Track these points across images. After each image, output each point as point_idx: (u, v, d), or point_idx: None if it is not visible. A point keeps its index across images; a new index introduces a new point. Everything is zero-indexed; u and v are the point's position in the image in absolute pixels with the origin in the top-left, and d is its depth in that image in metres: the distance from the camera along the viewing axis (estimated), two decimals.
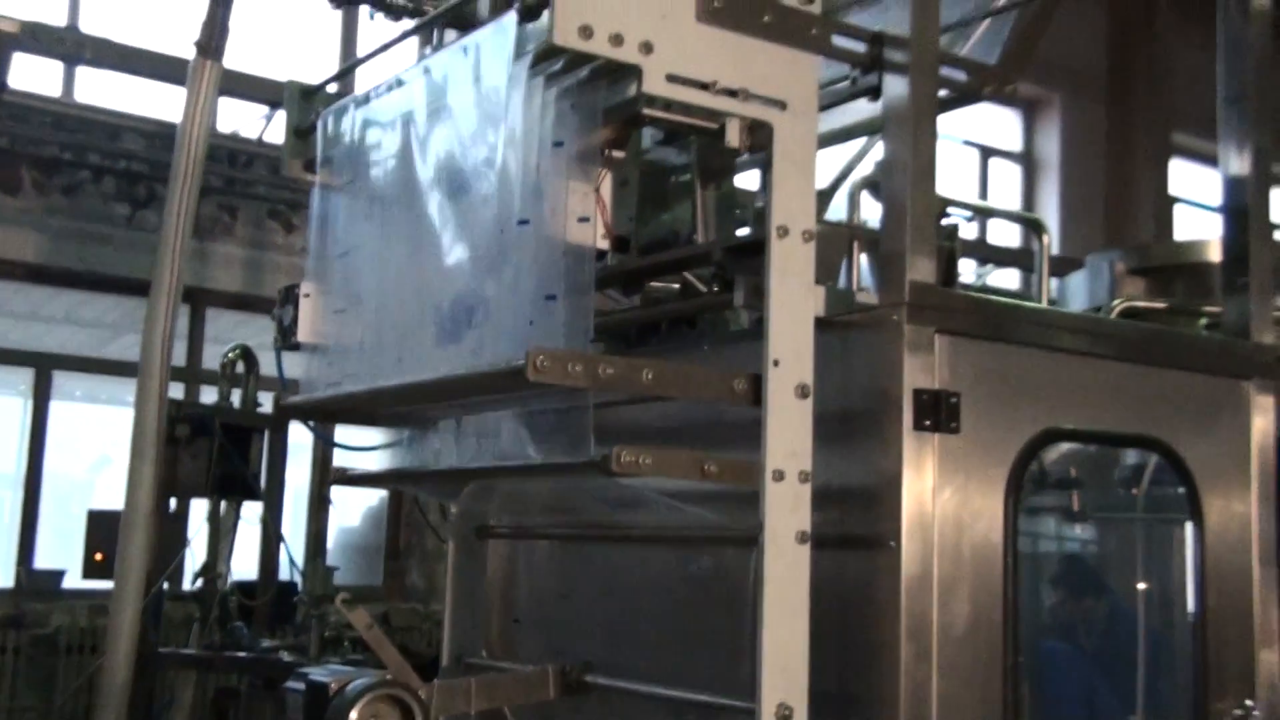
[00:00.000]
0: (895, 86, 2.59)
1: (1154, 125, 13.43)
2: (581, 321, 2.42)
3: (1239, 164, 3.09)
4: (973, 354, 2.59)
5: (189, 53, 9.26)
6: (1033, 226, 3.85)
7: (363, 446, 3.43)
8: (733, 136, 2.55)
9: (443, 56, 2.64)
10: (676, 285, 3.05)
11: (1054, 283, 4.56)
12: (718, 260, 2.64)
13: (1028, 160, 13.73)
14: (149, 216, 9.47)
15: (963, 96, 2.80)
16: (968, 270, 11.38)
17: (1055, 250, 12.80)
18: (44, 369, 9.70)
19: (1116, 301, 3.51)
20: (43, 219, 9.19)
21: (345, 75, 3.14)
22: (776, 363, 2.45)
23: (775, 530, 2.41)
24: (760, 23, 2.48)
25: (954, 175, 13.08)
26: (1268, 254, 3.03)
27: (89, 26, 9.59)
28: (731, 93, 2.45)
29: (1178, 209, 14.01)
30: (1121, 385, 2.81)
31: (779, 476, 2.42)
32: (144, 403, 3.71)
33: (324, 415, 3.15)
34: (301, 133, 3.10)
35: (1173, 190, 13.90)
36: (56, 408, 9.83)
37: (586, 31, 2.30)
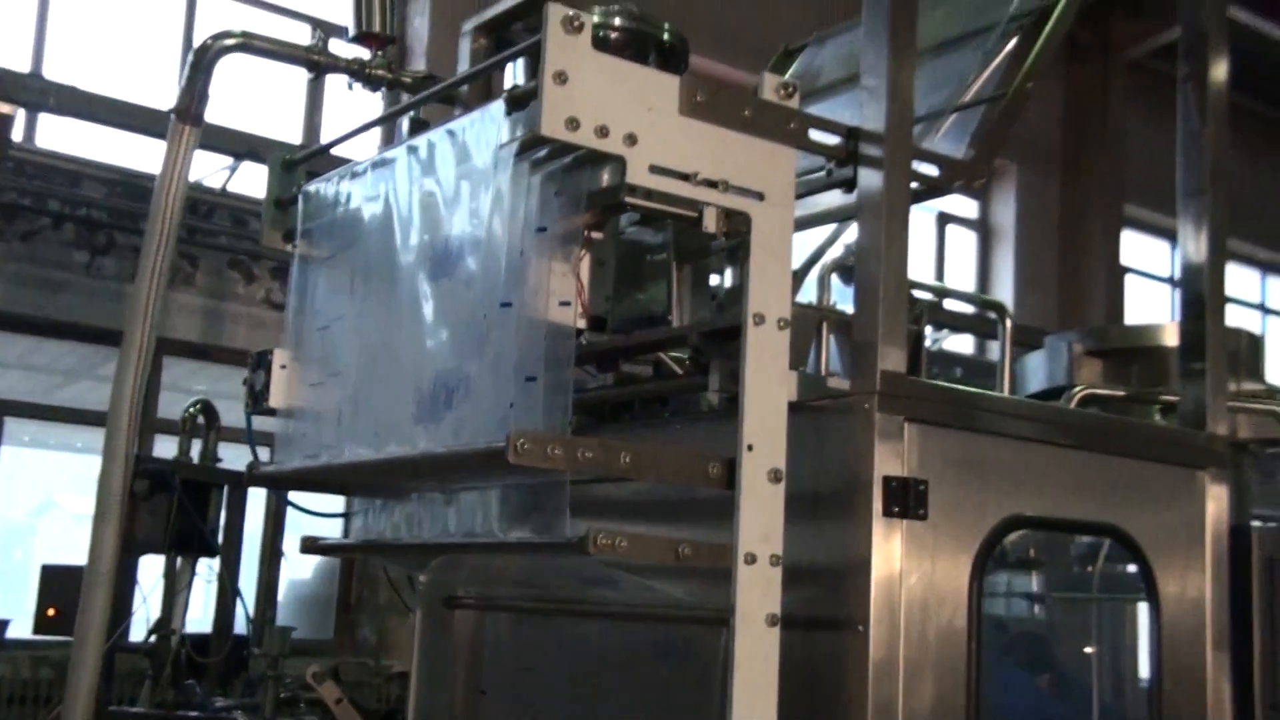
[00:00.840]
0: (869, 179, 2.67)
1: (1107, 197, 13.71)
2: (560, 403, 2.45)
3: (1196, 254, 3.19)
4: (941, 442, 2.65)
5: (152, 100, 9.35)
6: (994, 309, 3.93)
7: (328, 513, 3.44)
8: (710, 223, 2.61)
9: (429, 138, 2.68)
10: (651, 363, 3.10)
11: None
12: (694, 344, 2.70)
13: (984, 228, 13.96)
14: (107, 264, 9.45)
15: (933, 189, 2.89)
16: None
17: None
18: None
19: (1077, 389, 3.60)
20: (0, 265, 9.14)
21: (328, 150, 3.17)
22: (750, 447, 2.50)
23: (746, 613, 2.45)
24: (741, 117, 2.55)
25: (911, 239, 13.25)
26: (1222, 345, 3.13)
27: (53, 73, 9.59)
28: (712, 183, 2.51)
29: (1130, 279, 14.28)
30: (1082, 473, 2.88)
31: (751, 560, 2.46)
32: (110, 461, 3.69)
33: (296, 485, 3.16)
34: (282, 204, 3.14)
35: (1125, 260, 14.17)
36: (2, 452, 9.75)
37: (573, 123, 2.35)
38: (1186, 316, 3.17)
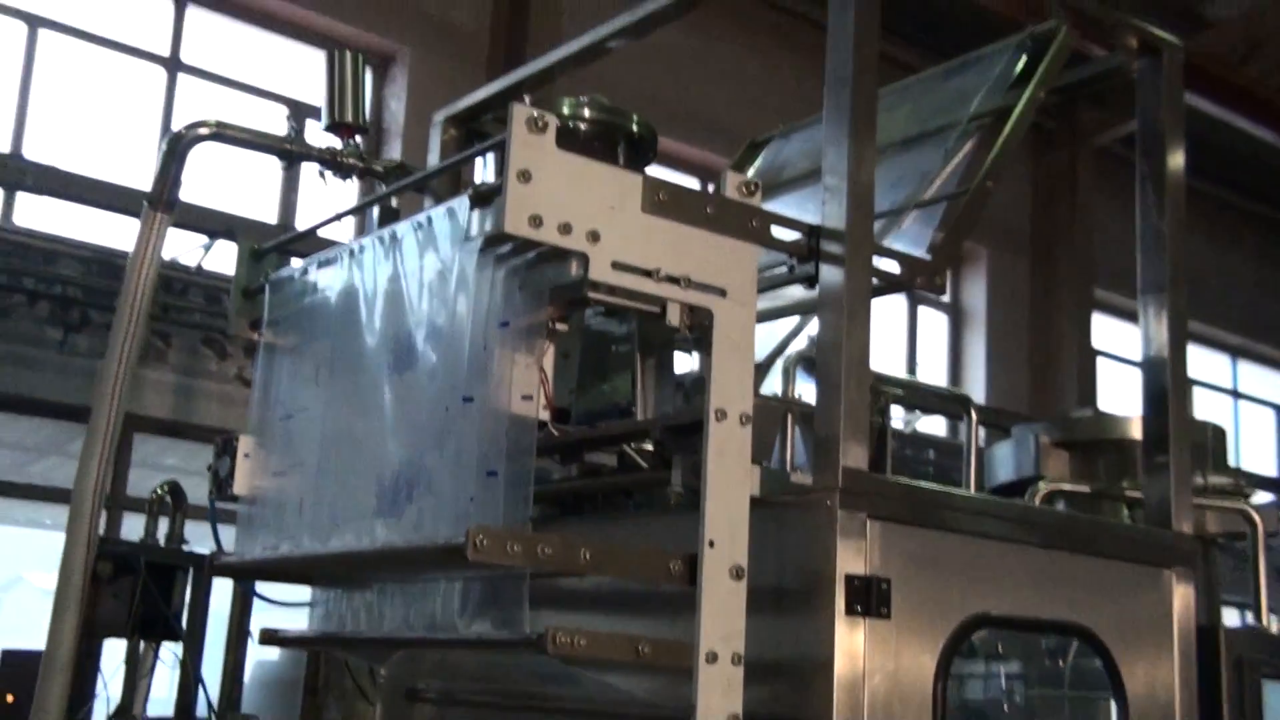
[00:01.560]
0: (831, 276, 2.69)
1: (1077, 281, 13.85)
2: (521, 497, 2.44)
3: (1157, 349, 3.21)
4: (904, 540, 2.64)
5: (132, 180, 9.38)
6: (960, 403, 3.95)
7: (290, 602, 3.40)
8: (673, 317, 2.62)
9: (396, 229, 2.70)
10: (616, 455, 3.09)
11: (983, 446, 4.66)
12: (656, 438, 2.69)
13: (955, 310, 14.06)
14: (81, 341, 9.40)
15: (894, 286, 2.91)
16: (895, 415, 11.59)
17: (980, 400, 13.05)
18: None
19: (1041, 484, 3.60)
20: None
21: (296, 240, 3.19)
22: (712, 544, 2.49)
23: (707, 712, 2.42)
24: (704, 214, 2.57)
25: (881, 319, 13.34)
26: (1187, 441, 3.14)
27: (32, 153, 9.61)
28: (674, 279, 2.53)
29: (1101, 362, 14.38)
30: (1048, 571, 2.88)
31: (712, 659, 2.44)
32: (72, 546, 3.64)
33: (256, 575, 3.13)
34: (249, 292, 3.14)
35: (1096, 344, 14.27)
36: None
37: (536, 220, 2.37)
38: (1149, 412, 3.19)
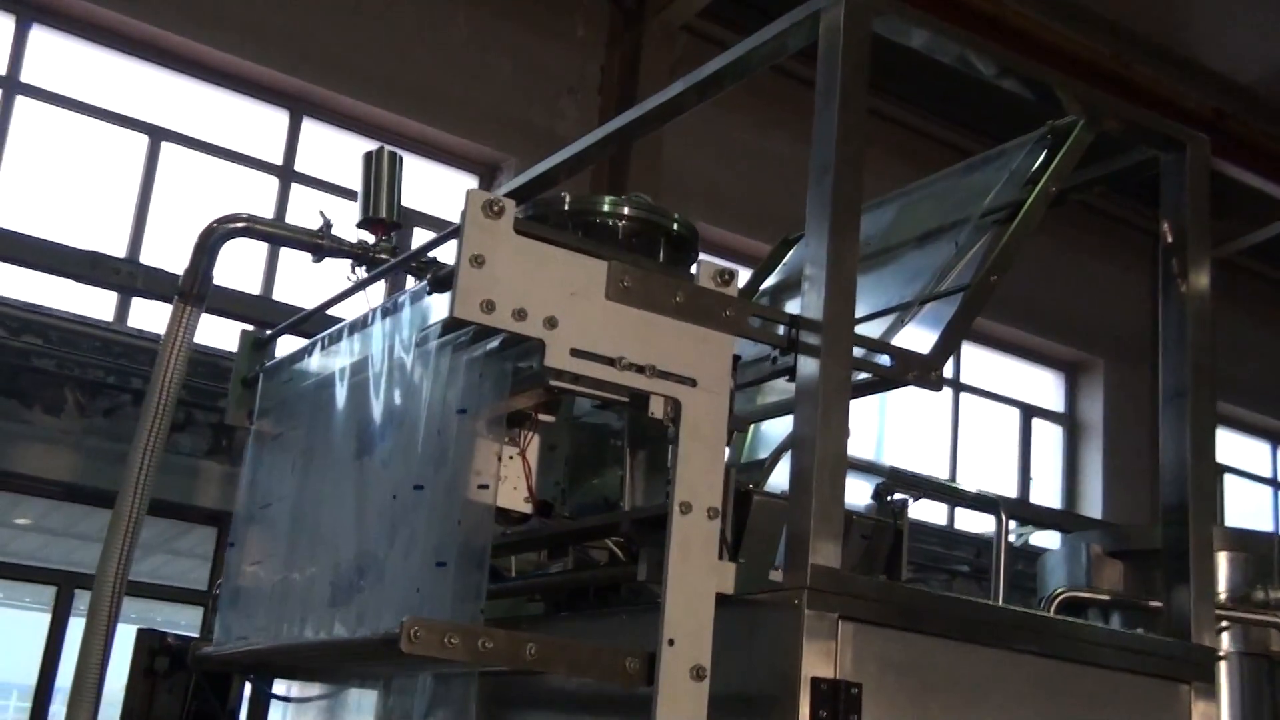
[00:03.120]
0: (808, 368, 2.61)
1: None
2: (473, 590, 2.40)
3: (1178, 456, 3.04)
4: (881, 644, 2.51)
5: (240, 284, 9.68)
6: (989, 507, 3.79)
7: (298, 697, 3.38)
8: (656, 409, 2.57)
9: (367, 316, 2.71)
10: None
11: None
12: (625, 531, 2.63)
13: (1071, 422, 13.65)
14: (184, 440, 9.68)
15: (887, 381, 2.81)
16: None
17: (1099, 514, 12.59)
18: (67, 586, 9.78)
19: (1057, 590, 3.42)
20: (81, 439, 9.41)
21: (292, 328, 3.23)
22: (671, 642, 2.40)
23: None
24: (672, 303, 2.53)
25: (995, 433, 13.03)
26: (1208, 551, 2.95)
27: (149, 258, 10.01)
28: (639, 368, 2.48)
29: (1228, 479, 13.78)
30: (1048, 684, 2.71)
31: None
32: (91, 636, 3.67)
33: (235, 667, 3.11)
34: (249, 381, 3.18)
35: (1221, 459, 13.69)
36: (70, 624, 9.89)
37: (489, 306, 2.35)
38: (1168, 521, 3.01)
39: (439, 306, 2.49)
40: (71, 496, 9.74)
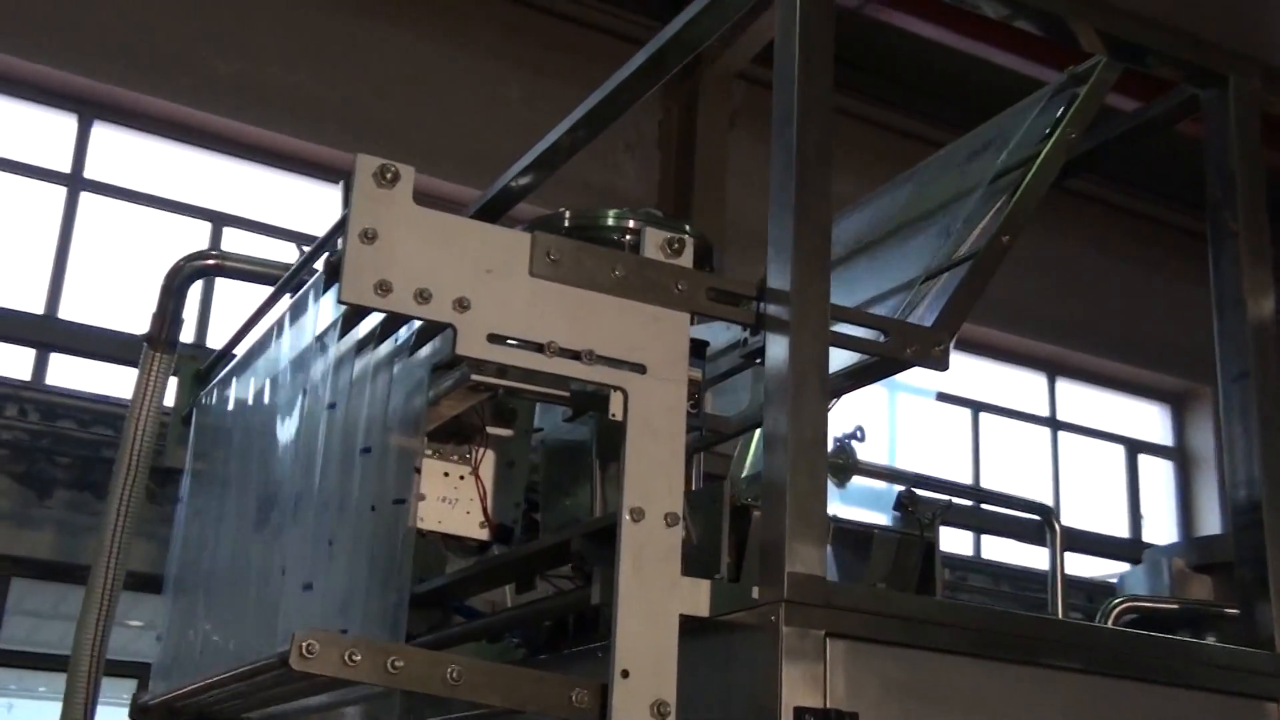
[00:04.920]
0: (776, 348, 2.23)
1: None
2: (390, 613, 2.05)
3: (1244, 451, 2.59)
4: (882, 664, 2.11)
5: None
6: (1040, 513, 3.34)
7: None
8: (616, 409, 2.21)
9: (280, 324, 2.41)
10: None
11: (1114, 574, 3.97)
12: (576, 550, 2.26)
13: (1181, 455, 12.90)
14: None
15: (884, 361, 2.41)
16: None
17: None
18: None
19: (1116, 601, 2.95)
20: (156, 529, 9.26)
21: (228, 352, 2.94)
22: (626, 674, 2.03)
23: None
24: (611, 278, 2.18)
25: (1100, 473, 12.37)
26: None
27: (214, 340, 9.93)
28: (573, 354, 2.13)
29: None
30: (1098, 707, 2.26)
31: None
32: (69, 706, 3.39)
33: (168, 716, 2.79)
34: (189, 419, 2.89)
35: None
36: None
37: (384, 287, 2.03)
38: (1239, 527, 2.55)
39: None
40: (144, 586, 9.59)
